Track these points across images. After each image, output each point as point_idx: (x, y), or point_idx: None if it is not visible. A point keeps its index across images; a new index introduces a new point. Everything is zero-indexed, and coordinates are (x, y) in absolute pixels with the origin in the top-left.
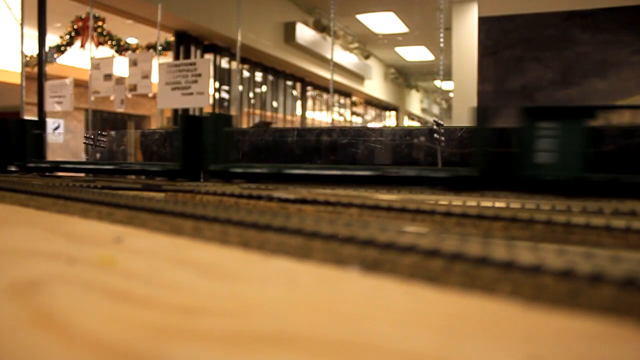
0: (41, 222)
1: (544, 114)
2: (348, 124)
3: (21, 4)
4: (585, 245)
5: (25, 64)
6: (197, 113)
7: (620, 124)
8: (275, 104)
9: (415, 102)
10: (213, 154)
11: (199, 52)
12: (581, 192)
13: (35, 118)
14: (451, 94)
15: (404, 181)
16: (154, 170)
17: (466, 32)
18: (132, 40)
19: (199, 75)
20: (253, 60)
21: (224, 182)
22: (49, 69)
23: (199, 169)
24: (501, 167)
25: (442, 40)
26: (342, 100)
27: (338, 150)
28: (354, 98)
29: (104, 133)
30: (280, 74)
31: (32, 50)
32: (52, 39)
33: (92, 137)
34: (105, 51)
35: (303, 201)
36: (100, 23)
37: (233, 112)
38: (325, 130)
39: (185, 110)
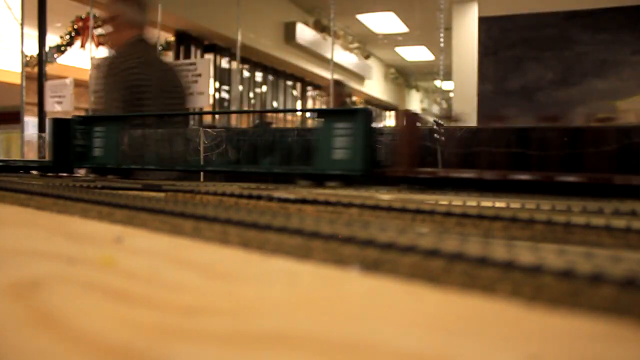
0: (41, 222)
1: (96, 120)
2: None
3: (21, 4)
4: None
5: (25, 64)
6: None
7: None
8: (275, 103)
9: (415, 102)
10: None
11: (199, 52)
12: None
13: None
14: (451, 94)
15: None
16: None
17: (466, 32)
18: None
19: (199, 75)
20: (253, 60)
21: None
22: (49, 69)
23: None
24: (68, 159)
25: (442, 40)
26: None
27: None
28: (354, 98)
29: None
30: (280, 73)
31: (32, 50)
32: (52, 39)
33: None
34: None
35: (303, 201)
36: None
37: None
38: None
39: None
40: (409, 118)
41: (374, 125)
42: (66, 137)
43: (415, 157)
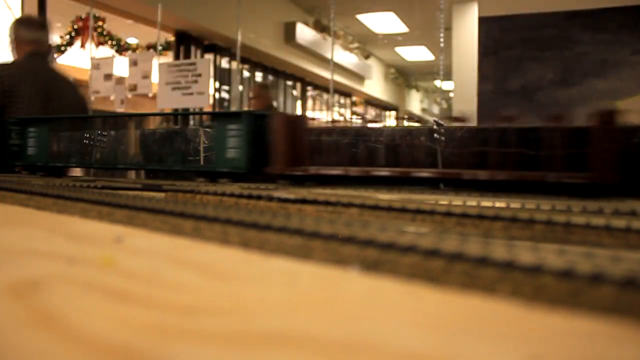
0: (41, 222)
1: (30, 122)
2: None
3: (21, 4)
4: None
5: None
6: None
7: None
8: (275, 103)
9: (415, 102)
10: None
11: (199, 52)
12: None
13: None
14: (451, 94)
15: None
16: None
17: (466, 32)
18: (132, 40)
19: (199, 75)
20: (253, 60)
21: None
22: None
23: None
24: (3, 157)
25: (442, 40)
26: (342, 100)
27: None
28: (354, 98)
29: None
30: (280, 73)
31: None
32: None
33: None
34: (106, 51)
35: (303, 201)
36: (100, 23)
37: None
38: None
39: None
40: (287, 120)
41: (262, 126)
42: (2, 137)
43: (292, 156)
